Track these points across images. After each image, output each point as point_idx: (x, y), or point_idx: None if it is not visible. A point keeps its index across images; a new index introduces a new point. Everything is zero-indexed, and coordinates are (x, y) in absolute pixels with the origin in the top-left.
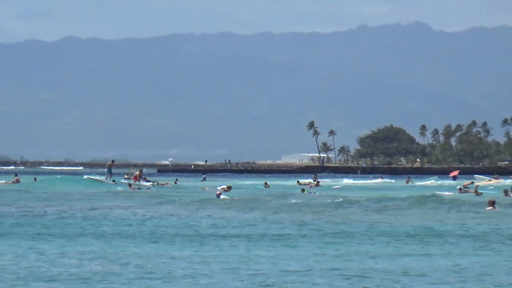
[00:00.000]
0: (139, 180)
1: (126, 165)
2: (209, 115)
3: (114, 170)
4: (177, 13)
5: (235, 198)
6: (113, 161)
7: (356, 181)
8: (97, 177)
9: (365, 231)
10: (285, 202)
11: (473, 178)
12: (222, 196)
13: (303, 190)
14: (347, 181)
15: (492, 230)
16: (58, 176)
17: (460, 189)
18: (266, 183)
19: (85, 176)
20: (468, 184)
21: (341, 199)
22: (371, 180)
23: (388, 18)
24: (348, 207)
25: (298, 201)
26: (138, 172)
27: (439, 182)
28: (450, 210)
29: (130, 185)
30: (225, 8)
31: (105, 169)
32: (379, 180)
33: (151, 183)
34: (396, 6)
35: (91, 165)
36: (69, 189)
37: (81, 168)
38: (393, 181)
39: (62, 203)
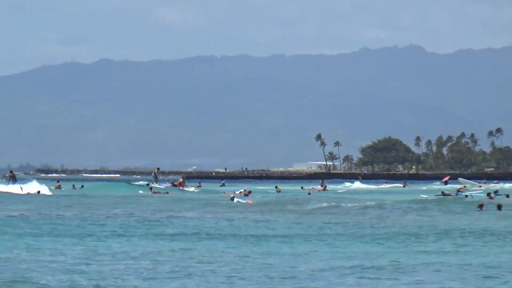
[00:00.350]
0: (183, 186)
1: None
2: (228, 128)
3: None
4: (200, 38)
5: (247, 201)
6: (158, 168)
7: (369, 186)
8: (156, 185)
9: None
10: (317, 205)
11: (458, 182)
12: (235, 199)
13: (309, 193)
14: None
15: None
16: (110, 182)
17: (458, 190)
18: (276, 187)
19: (147, 183)
20: (461, 189)
21: (373, 202)
22: (379, 186)
23: (387, 42)
24: (384, 209)
25: (329, 204)
26: (182, 179)
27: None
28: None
29: (151, 188)
30: (242, 33)
31: (152, 175)
32: (385, 185)
33: (193, 188)
34: (394, 31)
35: (124, 173)
36: (127, 193)
37: (118, 175)
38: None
39: (137, 207)
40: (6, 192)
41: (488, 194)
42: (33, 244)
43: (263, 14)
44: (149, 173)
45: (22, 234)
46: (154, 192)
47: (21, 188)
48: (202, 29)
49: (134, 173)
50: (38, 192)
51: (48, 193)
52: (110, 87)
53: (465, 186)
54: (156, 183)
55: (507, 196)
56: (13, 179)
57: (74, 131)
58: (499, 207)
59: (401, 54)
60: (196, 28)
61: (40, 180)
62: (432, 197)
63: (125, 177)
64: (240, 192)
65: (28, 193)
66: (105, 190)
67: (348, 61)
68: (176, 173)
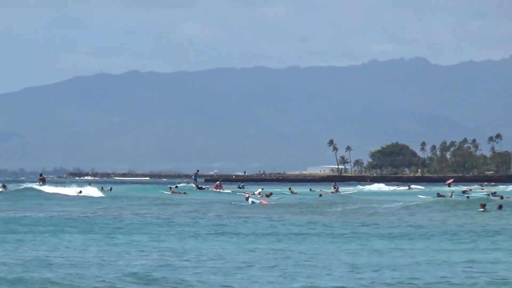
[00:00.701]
0: (220, 188)
1: (179, 176)
2: (247, 134)
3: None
4: (221, 51)
5: (261, 201)
6: (197, 170)
7: (388, 187)
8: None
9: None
10: (344, 208)
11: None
12: (250, 200)
13: (320, 195)
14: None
15: None
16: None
17: (464, 191)
18: (290, 189)
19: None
20: (467, 191)
21: (400, 203)
22: (392, 187)
23: (393, 54)
24: (414, 209)
25: (359, 205)
26: (218, 182)
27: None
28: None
29: (170, 188)
30: (260, 47)
31: (192, 177)
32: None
33: (228, 191)
34: (400, 44)
35: (152, 176)
36: (162, 196)
37: (148, 178)
38: (422, 187)
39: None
40: (65, 194)
41: (488, 195)
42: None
43: (279, 29)
44: (174, 176)
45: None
46: (173, 192)
47: (81, 191)
48: (222, 43)
49: (160, 176)
50: (80, 192)
51: (100, 194)
52: (137, 97)
53: (470, 189)
54: (195, 184)
55: (501, 197)
56: (42, 182)
57: (104, 137)
58: (500, 207)
59: (407, 65)
60: (217, 42)
61: (77, 183)
62: (431, 198)
63: (154, 180)
64: (258, 192)
65: (81, 191)
66: (145, 192)
67: (358, 72)
68: (199, 176)
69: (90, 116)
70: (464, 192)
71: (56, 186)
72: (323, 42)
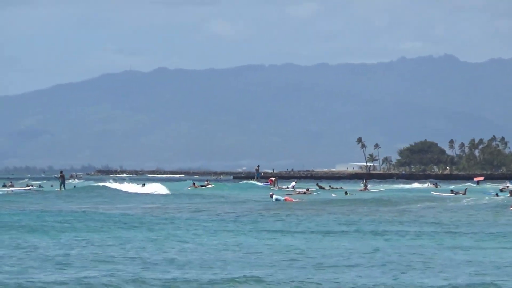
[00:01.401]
0: (275, 185)
1: (207, 173)
2: (275, 132)
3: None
4: (249, 49)
5: (286, 198)
6: (258, 166)
7: (421, 185)
8: (258, 183)
9: None
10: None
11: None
12: (274, 197)
13: (346, 193)
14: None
15: None
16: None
17: (501, 189)
18: (317, 184)
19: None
20: (504, 188)
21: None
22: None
23: (422, 51)
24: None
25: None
26: (274, 179)
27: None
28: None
29: (194, 183)
30: (289, 44)
31: (256, 174)
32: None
33: (285, 186)
34: (429, 41)
35: (182, 173)
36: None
37: (182, 175)
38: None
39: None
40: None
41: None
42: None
43: (308, 26)
44: (202, 174)
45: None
46: (196, 187)
47: (144, 185)
48: (251, 40)
49: (188, 173)
50: (143, 184)
51: (166, 192)
52: (166, 94)
53: (507, 186)
54: (259, 180)
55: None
56: (62, 179)
57: (132, 135)
58: None
59: (436, 63)
60: (246, 39)
61: (114, 181)
62: (444, 194)
63: (189, 177)
64: (293, 186)
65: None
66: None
67: (387, 69)
68: (227, 173)
69: (118, 113)
70: (502, 190)
71: (121, 183)
72: (351, 40)
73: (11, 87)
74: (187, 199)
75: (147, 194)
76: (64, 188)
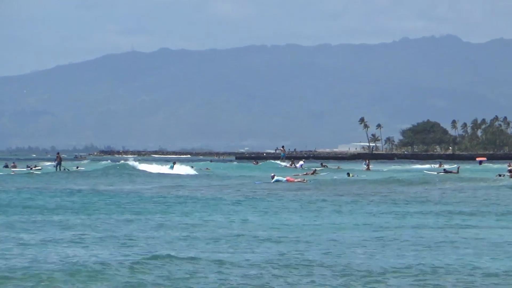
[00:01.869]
0: (293, 163)
1: (209, 154)
2: (278, 112)
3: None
4: (252, 29)
5: (288, 179)
6: (283, 146)
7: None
8: (284, 163)
9: None
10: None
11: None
12: (275, 178)
13: (348, 174)
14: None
15: None
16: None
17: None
18: (322, 163)
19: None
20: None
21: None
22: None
23: (425, 32)
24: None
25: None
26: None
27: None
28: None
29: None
30: (291, 24)
31: (281, 154)
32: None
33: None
34: (432, 21)
35: (185, 154)
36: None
37: (189, 155)
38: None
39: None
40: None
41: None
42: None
43: (310, 7)
44: (205, 154)
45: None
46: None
47: (173, 165)
48: (254, 20)
49: (191, 154)
50: (174, 163)
51: (193, 172)
52: (168, 74)
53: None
54: (283, 161)
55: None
56: (59, 160)
57: (135, 115)
58: None
59: (438, 43)
60: (248, 20)
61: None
62: (435, 173)
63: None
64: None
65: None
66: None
67: (389, 50)
68: (229, 153)
69: (121, 94)
70: (510, 171)
71: (149, 164)
72: (354, 20)
73: (13, 67)
74: (222, 180)
75: (179, 175)
76: (60, 170)
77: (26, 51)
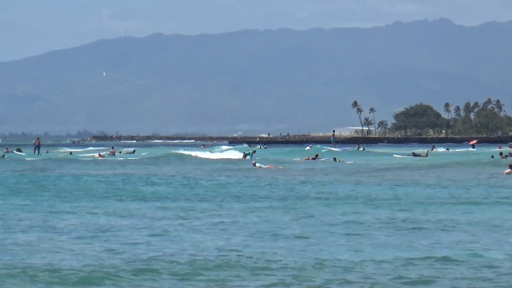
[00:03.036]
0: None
1: (203, 138)
2: (272, 96)
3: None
4: (245, 13)
5: (268, 166)
6: (334, 130)
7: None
8: (334, 148)
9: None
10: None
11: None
12: (257, 164)
13: (334, 159)
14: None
15: None
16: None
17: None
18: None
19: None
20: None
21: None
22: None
23: (418, 15)
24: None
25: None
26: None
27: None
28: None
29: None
30: (284, 8)
31: (332, 139)
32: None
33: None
34: (425, 4)
35: (176, 138)
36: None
37: (193, 140)
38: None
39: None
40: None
41: (501, 154)
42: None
43: None
44: (198, 139)
45: None
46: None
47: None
48: (246, 5)
49: (184, 138)
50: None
51: (238, 156)
52: (162, 59)
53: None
54: (334, 146)
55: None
56: (38, 144)
57: (128, 101)
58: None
59: (431, 26)
60: (241, 4)
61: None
62: (405, 156)
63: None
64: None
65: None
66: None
67: (382, 33)
68: (223, 138)
69: (114, 79)
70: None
71: (191, 151)
72: (346, 3)
73: (5, 53)
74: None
75: (224, 159)
76: (39, 153)
77: (18, 37)
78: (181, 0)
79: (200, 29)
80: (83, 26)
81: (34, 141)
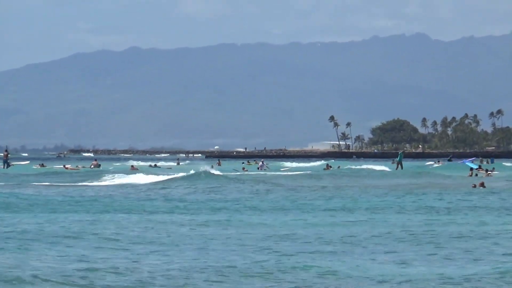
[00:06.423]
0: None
1: (180, 152)
2: (249, 110)
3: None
4: (222, 28)
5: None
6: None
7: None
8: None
9: None
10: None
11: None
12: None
13: (327, 166)
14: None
15: None
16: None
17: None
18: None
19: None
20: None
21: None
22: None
23: (395, 30)
24: None
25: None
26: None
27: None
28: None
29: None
30: (261, 23)
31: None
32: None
33: None
34: (402, 20)
35: (151, 153)
36: None
37: (168, 154)
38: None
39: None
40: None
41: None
42: None
43: (280, 5)
44: (175, 153)
45: None
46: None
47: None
48: (224, 19)
49: (160, 152)
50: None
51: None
52: (139, 73)
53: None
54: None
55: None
56: (5, 158)
57: (106, 114)
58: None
59: (408, 41)
60: (218, 18)
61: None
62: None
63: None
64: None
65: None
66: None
67: (359, 48)
68: (200, 152)
69: (92, 93)
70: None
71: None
72: (324, 18)
73: None
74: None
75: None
76: (8, 166)
77: None
78: (158, 14)
79: (177, 43)
80: (61, 39)
81: (1, 154)
